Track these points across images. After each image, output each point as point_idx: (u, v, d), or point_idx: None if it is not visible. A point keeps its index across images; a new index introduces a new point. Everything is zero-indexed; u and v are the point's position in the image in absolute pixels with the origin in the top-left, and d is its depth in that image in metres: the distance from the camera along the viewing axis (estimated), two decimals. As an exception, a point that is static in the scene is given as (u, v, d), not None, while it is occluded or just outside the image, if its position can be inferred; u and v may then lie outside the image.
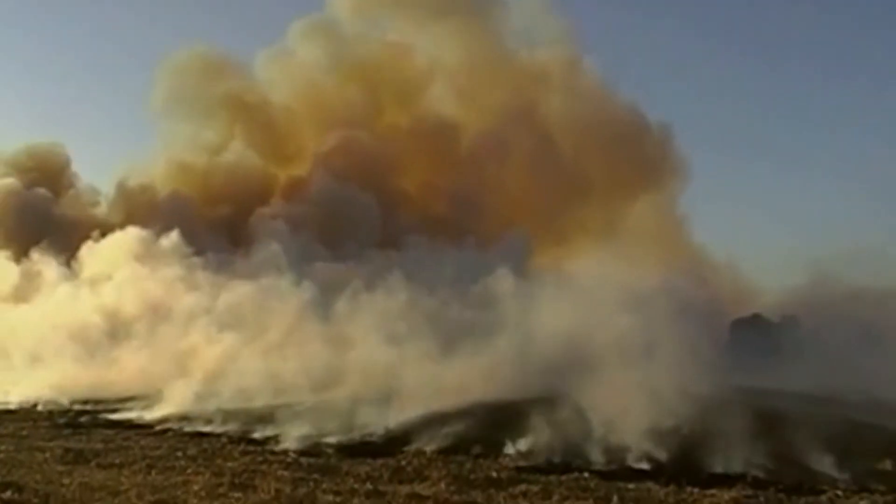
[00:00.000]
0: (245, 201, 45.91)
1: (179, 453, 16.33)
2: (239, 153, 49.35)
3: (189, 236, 35.26)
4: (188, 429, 19.78)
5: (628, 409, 17.58)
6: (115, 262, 33.60)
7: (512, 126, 48.52)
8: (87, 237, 37.08)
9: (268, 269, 30.08)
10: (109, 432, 19.29)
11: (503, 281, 24.89)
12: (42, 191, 46.14)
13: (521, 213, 47.84)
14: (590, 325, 20.66)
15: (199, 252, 34.41)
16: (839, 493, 12.79)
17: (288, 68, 52.32)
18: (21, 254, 38.85)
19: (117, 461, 15.19)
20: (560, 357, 20.72)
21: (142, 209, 43.69)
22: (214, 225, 44.43)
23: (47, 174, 48.11)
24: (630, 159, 51.22)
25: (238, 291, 28.88)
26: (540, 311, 22.79)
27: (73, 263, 35.05)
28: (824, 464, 15.25)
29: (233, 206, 46.12)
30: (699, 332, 19.93)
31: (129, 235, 36.19)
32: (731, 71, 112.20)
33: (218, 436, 18.78)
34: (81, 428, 19.89)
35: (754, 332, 35.73)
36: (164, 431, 19.57)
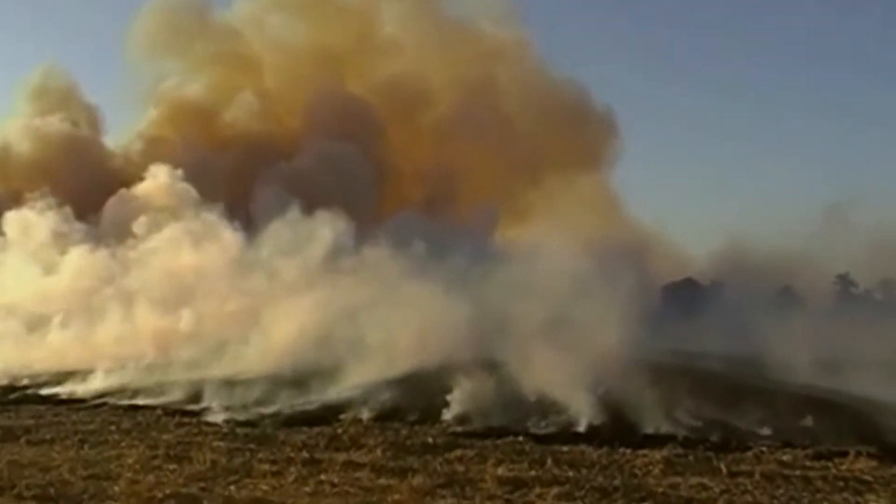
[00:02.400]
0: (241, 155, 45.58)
1: (113, 427, 16.17)
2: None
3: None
4: (122, 402, 19.58)
5: (562, 373, 17.83)
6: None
7: (471, 101, 48.86)
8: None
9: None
10: (40, 408, 19.00)
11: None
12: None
13: (484, 188, 48.32)
14: (526, 291, 20.89)
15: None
16: (764, 449, 13.15)
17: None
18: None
19: (48, 437, 14.99)
20: (495, 323, 20.93)
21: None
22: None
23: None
24: (574, 137, 51.94)
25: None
26: (478, 279, 23.00)
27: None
28: (750, 422, 15.66)
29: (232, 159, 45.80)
30: (631, 297, 20.25)
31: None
32: (664, 47, 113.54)
33: (153, 409, 18.62)
34: (10, 405, 19.56)
35: (685, 296, 36.43)
36: (98, 406, 19.33)
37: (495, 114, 49.30)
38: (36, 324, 27.76)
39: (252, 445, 14.01)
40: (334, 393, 19.16)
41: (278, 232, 28.87)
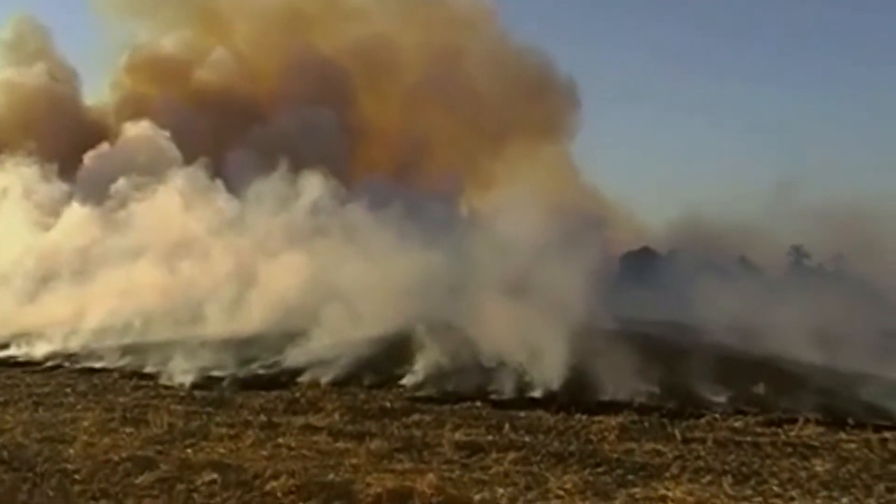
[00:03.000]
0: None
1: (69, 390, 16.08)
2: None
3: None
4: (78, 365, 19.43)
5: (521, 339, 17.98)
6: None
7: (438, 69, 48.72)
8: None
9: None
10: (-6, 370, 18.83)
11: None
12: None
13: (450, 156, 48.32)
14: (486, 258, 21.00)
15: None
16: (717, 416, 13.38)
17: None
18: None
19: (1, 399, 14.86)
20: (456, 289, 21.03)
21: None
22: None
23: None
24: (537, 108, 52.04)
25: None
26: (441, 246, 23.06)
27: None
28: (704, 389, 15.90)
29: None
30: (590, 265, 20.41)
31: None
32: (624, 19, 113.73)
33: (109, 371, 18.51)
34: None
35: (642, 265, 36.74)
36: (53, 368, 19.18)
37: (461, 82, 49.25)
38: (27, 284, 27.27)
39: (210, 409, 14.00)
40: (293, 356, 19.16)
41: (259, 193, 28.62)
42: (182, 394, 15.73)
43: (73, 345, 21.79)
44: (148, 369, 18.51)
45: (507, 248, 20.96)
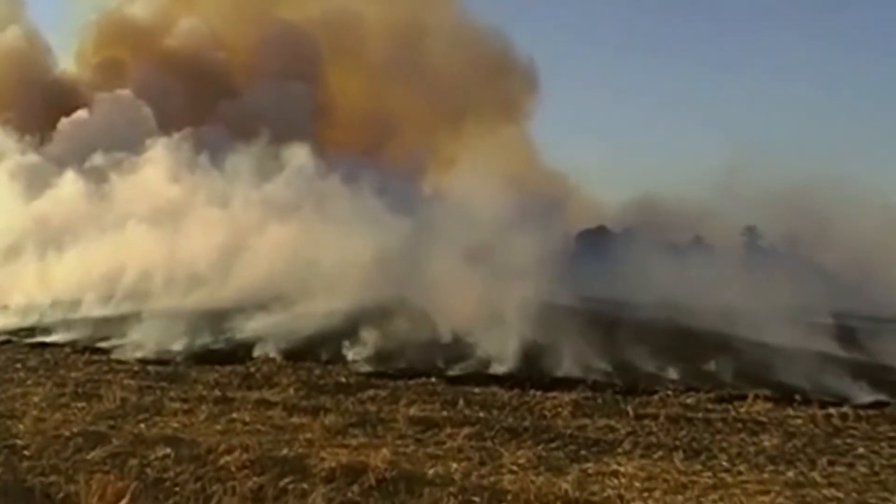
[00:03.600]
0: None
1: (19, 365, 15.86)
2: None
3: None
4: (29, 340, 19.17)
5: (477, 316, 18.06)
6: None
7: (401, 48, 48.49)
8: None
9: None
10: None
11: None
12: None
13: (412, 135, 48.23)
14: (445, 236, 21.03)
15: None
16: (669, 393, 13.56)
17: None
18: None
19: (-52, 375, 14.65)
20: (414, 266, 21.03)
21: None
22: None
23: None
24: (497, 88, 52.12)
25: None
26: (401, 223, 23.05)
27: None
28: (657, 367, 16.09)
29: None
30: (546, 243, 20.51)
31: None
32: (578, 4, 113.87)
33: (61, 346, 18.27)
34: None
35: (598, 243, 36.91)
36: (4, 343, 18.89)
37: (425, 62, 49.23)
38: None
39: (163, 383, 13.90)
40: (249, 331, 19.08)
41: (233, 166, 28.30)
42: (136, 369, 15.58)
43: (30, 319, 21.50)
44: (102, 344, 18.30)
45: (466, 227, 21.02)
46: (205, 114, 41.69)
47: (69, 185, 30.14)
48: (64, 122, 38.78)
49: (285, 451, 9.37)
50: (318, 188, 27.10)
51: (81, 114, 39.17)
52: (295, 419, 11.29)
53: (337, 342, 17.85)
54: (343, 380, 14.48)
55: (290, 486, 7.94)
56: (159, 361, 16.35)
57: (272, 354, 17.13)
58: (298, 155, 28.87)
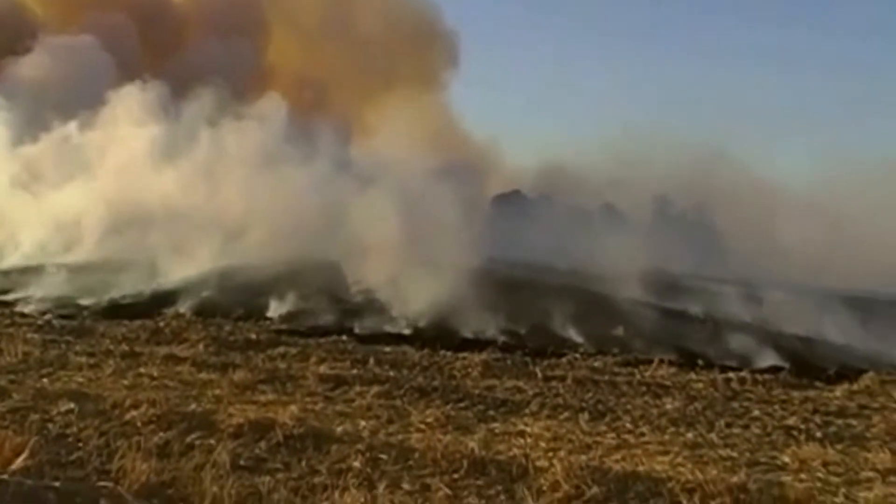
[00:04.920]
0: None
1: (-86, 317, 15.37)
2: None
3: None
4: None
5: (390, 276, 18.11)
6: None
7: (331, 13, 48.02)
8: None
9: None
10: None
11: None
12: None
13: (340, 100, 47.83)
14: (362, 197, 21.01)
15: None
16: (577, 356, 13.82)
17: None
18: None
19: None
20: (328, 226, 20.96)
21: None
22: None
23: None
24: (420, 56, 52.04)
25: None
26: (321, 184, 22.90)
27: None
28: (568, 330, 16.40)
29: None
30: (461, 207, 20.64)
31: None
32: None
33: (-39, 298, 17.75)
34: None
35: (513, 207, 37.22)
36: None
37: (353, 28, 48.97)
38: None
39: (69, 337, 13.55)
40: (159, 285, 18.81)
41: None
42: (40, 322, 15.20)
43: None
44: (4, 297, 17.82)
45: (383, 189, 21.03)
46: (156, 66, 40.52)
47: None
48: (18, 63, 36.78)
49: (193, 406, 9.28)
50: (248, 146, 26.66)
51: (35, 56, 37.22)
52: (203, 375, 11.17)
53: (250, 299, 17.72)
54: (254, 336, 14.36)
55: (197, 442, 7.88)
56: (65, 315, 15.98)
57: (182, 310, 16.93)
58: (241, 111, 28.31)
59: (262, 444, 8.05)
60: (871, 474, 8.02)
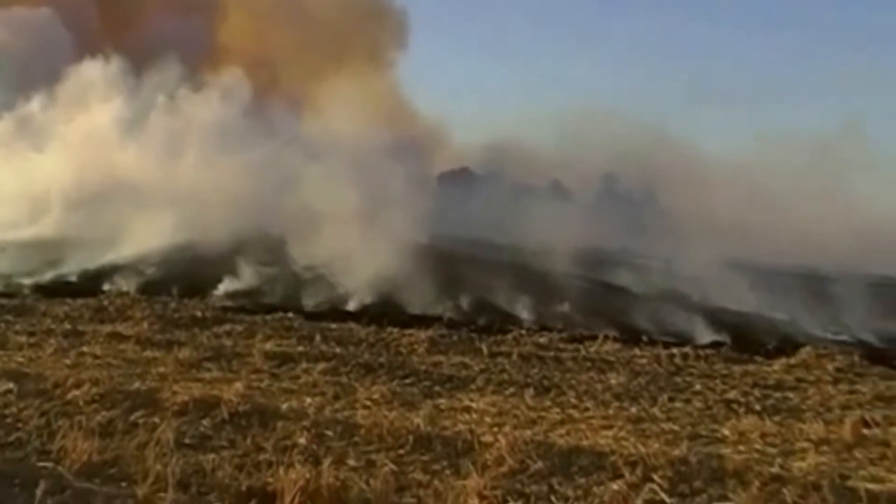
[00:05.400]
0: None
1: None
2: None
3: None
4: None
5: (337, 253, 18.05)
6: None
7: None
8: None
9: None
10: None
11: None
12: None
13: (294, 78, 47.40)
14: (309, 173, 20.88)
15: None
16: (523, 332, 13.92)
17: None
18: None
19: None
20: (276, 203, 20.84)
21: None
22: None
23: None
24: (369, 33, 51.94)
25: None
26: (271, 163, 22.74)
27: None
28: (514, 306, 16.50)
29: None
30: (408, 184, 20.63)
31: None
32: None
33: None
34: None
35: (461, 184, 37.23)
36: None
37: (304, 6, 48.62)
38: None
39: (9, 316, 13.29)
40: (104, 263, 18.54)
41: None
42: (-22, 301, 14.91)
43: None
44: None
45: (330, 167, 20.93)
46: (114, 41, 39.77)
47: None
48: None
49: (137, 384, 9.19)
50: (203, 123, 26.30)
51: None
52: (148, 353, 11.07)
53: (195, 277, 17.57)
54: (199, 314, 14.23)
55: (141, 420, 7.81)
56: (5, 294, 15.69)
57: (127, 288, 16.73)
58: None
59: (207, 421, 8.01)
60: (805, 444, 8.25)
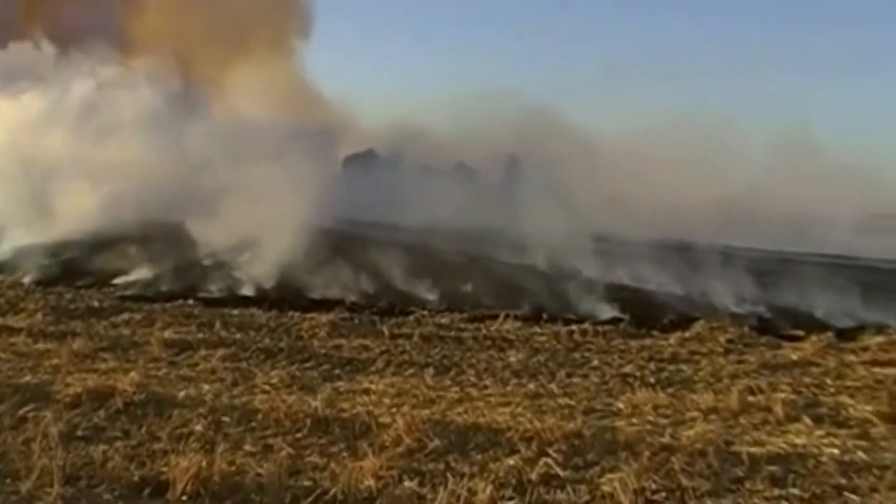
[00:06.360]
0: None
1: None
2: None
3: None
4: None
5: (237, 239, 17.86)
6: None
7: None
8: None
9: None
10: None
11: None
12: None
13: (202, 63, 46.61)
14: (211, 158, 20.60)
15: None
16: (424, 313, 13.99)
17: None
18: None
19: None
20: (174, 190, 20.50)
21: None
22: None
23: None
24: (272, 17, 51.52)
25: None
26: (162, 144, 22.34)
27: None
28: (417, 288, 16.55)
29: None
30: (310, 166, 20.49)
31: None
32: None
33: None
34: None
35: (366, 167, 37.12)
36: None
37: None
38: None
39: None
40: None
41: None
42: None
43: None
44: None
45: (232, 151, 20.69)
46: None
47: None
48: None
49: (28, 377, 9.02)
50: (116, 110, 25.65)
51: None
52: (41, 345, 10.83)
53: (94, 267, 17.21)
54: (96, 304, 13.94)
55: (31, 414, 7.65)
56: None
57: (22, 278, 16.29)
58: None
59: (101, 412, 7.91)
60: (695, 414, 8.54)
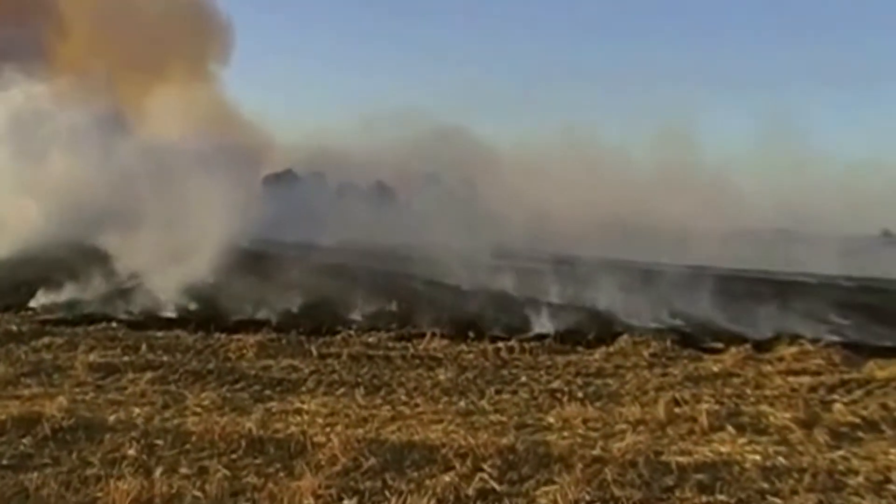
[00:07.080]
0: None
1: None
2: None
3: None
4: None
5: (159, 261, 17.62)
6: None
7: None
8: None
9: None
10: None
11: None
12: None
13: (124, 86, 45.94)
14: (133, 180, 20.34)
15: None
16: (351, 332, 14.01)
17: None
18: None
19: None
20: (93, 212, 20.19)
21: None
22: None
23: None
24: (194, 40, 51.36)
25: None
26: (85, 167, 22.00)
27: None
28: (342, 308, 16.55)
29: None
30: (231, 187, 20.37)
31: None
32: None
33: None
34: None
35: (285, 186, 36.99)
36: None
37: (133, 15, 47.45)
38: None
39: None
40: None
41: None
42: None
43: None
44: None
45: (153, 173, 20.50)
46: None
47: None
48: None
49: (-55, 407, 8.77)
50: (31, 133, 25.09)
51: None
52: (-43, 373, 10.53)
53: (12, 289, 16.78)
54: (15, 328, 13.56)
55: (-48, 445, 7.47)
56: None
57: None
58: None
59: (28, 439, 7.76)
60: (623, 426, 8.79)
